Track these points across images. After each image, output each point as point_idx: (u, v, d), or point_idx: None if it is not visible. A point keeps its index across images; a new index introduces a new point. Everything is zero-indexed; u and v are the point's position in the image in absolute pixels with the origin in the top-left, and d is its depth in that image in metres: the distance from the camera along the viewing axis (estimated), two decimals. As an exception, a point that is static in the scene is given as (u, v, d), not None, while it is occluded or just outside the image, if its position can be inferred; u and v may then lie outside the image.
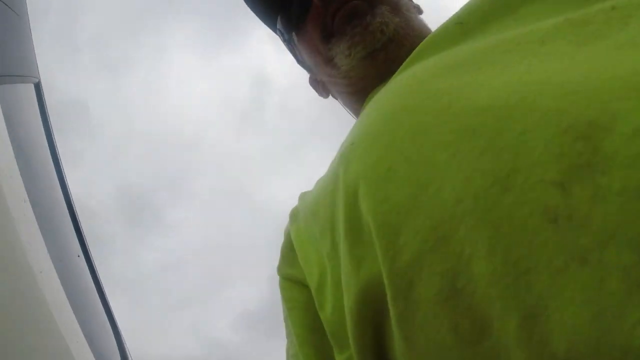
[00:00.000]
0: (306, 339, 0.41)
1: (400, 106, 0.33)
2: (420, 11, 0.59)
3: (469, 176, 0.24)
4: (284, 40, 0.62)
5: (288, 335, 0.45)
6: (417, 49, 0.40)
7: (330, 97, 0.66)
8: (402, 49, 0.49)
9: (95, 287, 1.69)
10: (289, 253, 0.46)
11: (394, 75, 0.41)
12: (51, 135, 1.69)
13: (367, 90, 0.53)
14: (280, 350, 0.47)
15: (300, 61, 0.64)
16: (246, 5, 0.60)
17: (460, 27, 0.37)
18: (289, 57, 0.67)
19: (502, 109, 0.24)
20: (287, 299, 0.45)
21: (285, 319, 0.46)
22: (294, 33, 0.58)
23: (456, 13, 0.39)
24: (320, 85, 0.65)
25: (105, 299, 1.72)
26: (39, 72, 1.66)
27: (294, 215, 0.48)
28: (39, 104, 1.63)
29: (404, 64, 0.40)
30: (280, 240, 0.49)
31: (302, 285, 0.42)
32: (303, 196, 0.50)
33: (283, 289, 0.46)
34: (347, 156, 0.35)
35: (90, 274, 1.67)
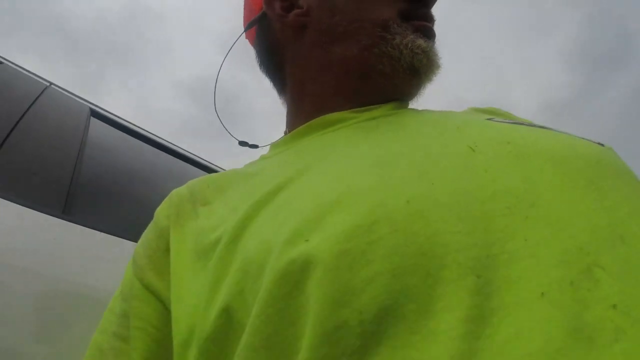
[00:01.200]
0: None
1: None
2: None
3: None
4: None
5: (114, 331, 0.38)
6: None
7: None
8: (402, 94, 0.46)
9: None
10: (160, 256, 0.38)
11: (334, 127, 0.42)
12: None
13: (325, 96, 0.46)
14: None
15: None
16: None
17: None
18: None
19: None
20: (136, 313, 0.37)
21: (118, 319, 0.38)
22: None
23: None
24: (291, 18, 0.48)
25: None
26: None
27: (178, 203, 0.40)
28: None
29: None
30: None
31: (165, 308, 0.36)
32: (202, 184, 0.42)
33: (135, 296, 0.37)
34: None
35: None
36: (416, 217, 0.25)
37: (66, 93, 0.98)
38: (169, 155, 1.21)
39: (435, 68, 0.44)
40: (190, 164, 1.27)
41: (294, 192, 0.32)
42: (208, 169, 1.30)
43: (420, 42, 0.43)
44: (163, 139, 1.24)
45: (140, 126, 1.19)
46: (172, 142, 1.30)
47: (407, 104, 0.47)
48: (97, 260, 0.69)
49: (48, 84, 0.94)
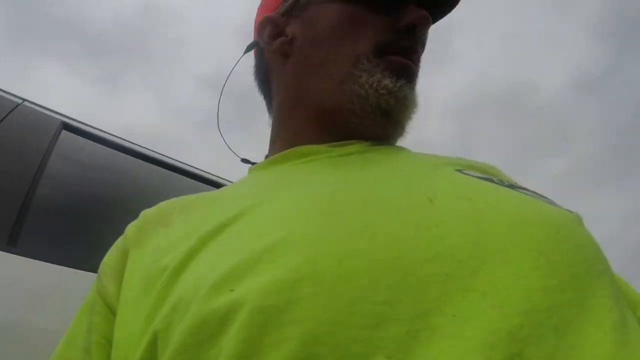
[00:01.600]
0: None
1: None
2: None
3: None
4: None
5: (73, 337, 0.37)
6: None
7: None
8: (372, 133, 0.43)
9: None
10: (120, 275, 0.37)
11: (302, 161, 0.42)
12: None
13: (300, 127, 0.45)
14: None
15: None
16: None
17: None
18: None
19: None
20: (97, 329, 0.36)
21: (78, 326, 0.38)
22: None
23: None
24: (279, 42, 0.48)
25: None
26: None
27: (144, 222, 0.40)
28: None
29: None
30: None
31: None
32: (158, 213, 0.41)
33: (97, 312, 0.37)
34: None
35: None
36: (344, 279, 0.24)
37: (39, 109, 0.94)
38: (154, 166, 1.14)
39: (407, 109, 0.43)
40: (183, 174, 1.20)
41: (241, 228, 0.32)
42: (206, 180, 1.24)
43: (387, 82, 0.41)
44: (149, 150, 1.18)
45: (125, 138, 1.13)
46: (161, 153, 1.23)
47: (391, 140, 0.47)
48: (43, 296, 0.63)
49: (21, 101, 0.91)
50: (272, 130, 0.50)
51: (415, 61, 0.45)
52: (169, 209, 0.41)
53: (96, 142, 1.02)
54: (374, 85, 0.41)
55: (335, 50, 0.44)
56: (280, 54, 0.48)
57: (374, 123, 0.42)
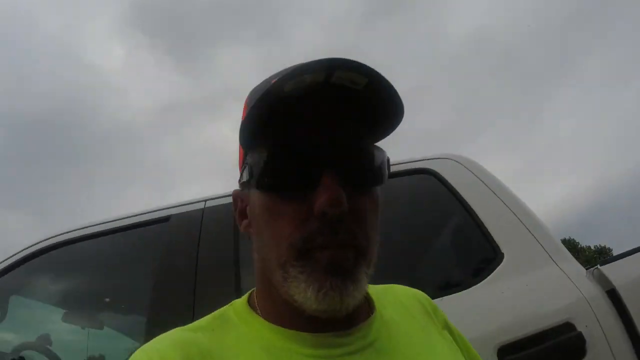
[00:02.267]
0: None
1: None
2: None
3: None
4: (244, 172, 0.49)
5: None
6: None
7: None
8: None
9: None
10: None
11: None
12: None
13: (274, 303, 0.49)
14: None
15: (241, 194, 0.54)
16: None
17: None
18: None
19: None
20: None
21: None
22: (259, 181, 0.46)
23: None
24: (240, 214, 0.54)
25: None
26: None
27: None
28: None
29: None
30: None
31: None
32: None
33: None
34: None
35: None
36: None
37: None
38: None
39: (342, 304, 0.43)
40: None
41: None
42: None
43: (310, 294, 0.42)
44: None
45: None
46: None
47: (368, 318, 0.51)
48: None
49: None
50: (258, 275, 0.52)
51: (347, 246, 0.44)
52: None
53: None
54: (302, 295, 0.43)
55: (268, 253, 0.47)
56: (247, 235, 0.52)
57: (323, 318, 0.44)
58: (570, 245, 34.17)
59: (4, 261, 1.45)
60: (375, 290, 0.57)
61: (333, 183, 0.42)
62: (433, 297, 1.12)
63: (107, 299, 1.92)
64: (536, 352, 0.97)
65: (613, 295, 1.04)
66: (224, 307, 0.54)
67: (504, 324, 1.03)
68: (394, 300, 0.58)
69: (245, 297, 0.54)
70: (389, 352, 0.49)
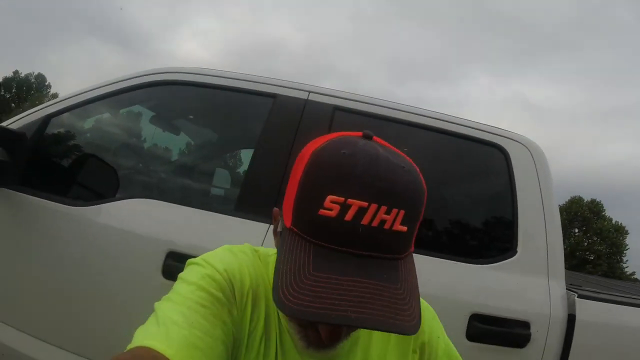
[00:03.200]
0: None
1: None
2: None
3: None
4: (284, 226, 0.51)
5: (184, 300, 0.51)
6: None
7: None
8: None
9: None
10: (230, 294, 0.55)
11: None
12: None
13: None
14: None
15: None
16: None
17: None
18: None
19: None
20: (212, 295, 0.53)
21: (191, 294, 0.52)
22: (304, 235, 0.47)
23: None
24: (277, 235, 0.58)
25: None
26: None
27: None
28: None
29: None
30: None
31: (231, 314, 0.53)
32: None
33: (217, 286, 0.54)
34: None
35: None
36: None
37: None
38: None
39: (331, 349, 0.54)
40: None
41: None
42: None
43: (300, 342, 0.55)
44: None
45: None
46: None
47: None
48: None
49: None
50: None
51: (335, 338, 0.52)
52: (242, 293, 0.56)
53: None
54: (294, 336, 0.56)
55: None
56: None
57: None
58: (595, 207, 33.54)
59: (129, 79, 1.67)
60: None
61: (336, 330, 0.51)
62: (440, 257, 1.42)
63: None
64: (493, 329, 1.31)
65: (571, 320, 1.33)
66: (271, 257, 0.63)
67: (484, 301, 1.34)
68: None
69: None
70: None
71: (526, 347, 1.30)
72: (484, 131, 1.59)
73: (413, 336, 0.64)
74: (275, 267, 0.47)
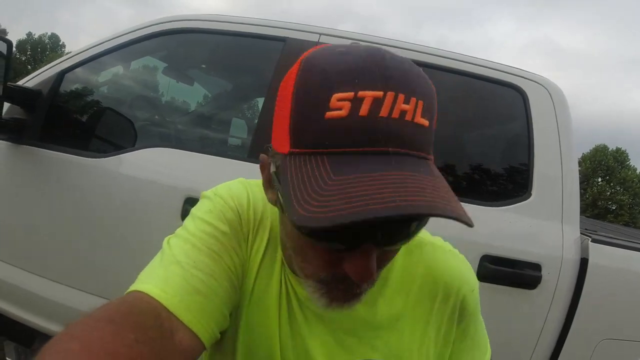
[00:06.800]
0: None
1: None
2: None
3: None
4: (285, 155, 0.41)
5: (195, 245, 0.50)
6: None
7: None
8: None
9: None
10: (239, 227, 0.54)
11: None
12: None
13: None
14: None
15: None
16: None
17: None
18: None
19: None
20: (220, 240, 0.52)
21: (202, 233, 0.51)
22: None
23: None
24: (267, 178, 0.49)
25: None
26: None
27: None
28: None
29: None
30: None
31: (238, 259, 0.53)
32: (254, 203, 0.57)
33: (223, 234, 0.53)
34: None
35: None
36: None
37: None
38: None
39: (345, 312, 0.47)
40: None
41: None
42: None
43: (320, 301, 0.47)
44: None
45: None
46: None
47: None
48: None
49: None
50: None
51: (363, 287, 0.45)
52: (249, 222, 0.56)
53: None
54: (313, 295, 0.47)
55: (291, 254, 0.50)
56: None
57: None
58: (620, 156, 32.67)
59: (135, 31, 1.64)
60: (408, 249, 0.59)
61: (369, 260, 0.40)
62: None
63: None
64: (504, 270, 1.32)
65: (583, 264, 1.32)
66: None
67: (496, 242, 1.34)
68: (406, 272, 0.59)
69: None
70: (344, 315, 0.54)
71: (537, 289, 1.31)
72: (501, 71, 1.54)
73: (443, 303, 0.59)
74: (282, 194, 0.41)
